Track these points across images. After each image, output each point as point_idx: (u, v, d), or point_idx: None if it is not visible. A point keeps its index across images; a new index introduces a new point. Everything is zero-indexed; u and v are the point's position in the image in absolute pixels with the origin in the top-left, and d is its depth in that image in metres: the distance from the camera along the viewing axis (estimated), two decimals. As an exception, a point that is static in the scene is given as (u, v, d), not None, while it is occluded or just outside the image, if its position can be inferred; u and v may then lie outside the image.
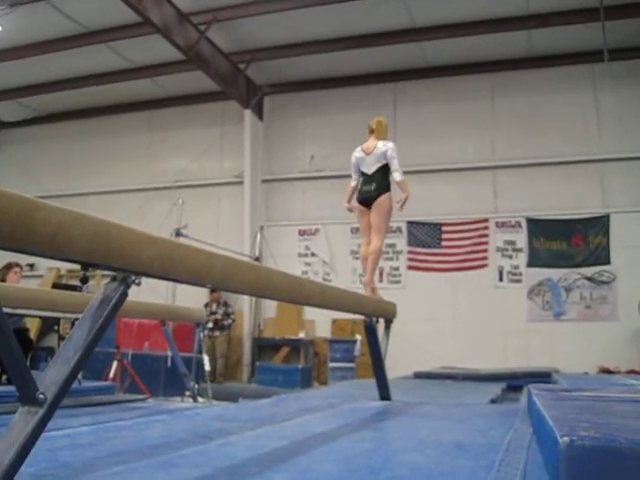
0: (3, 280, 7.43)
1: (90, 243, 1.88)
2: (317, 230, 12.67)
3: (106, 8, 10.34)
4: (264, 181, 13.25)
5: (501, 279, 11.56)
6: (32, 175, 15.11)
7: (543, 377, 8.07)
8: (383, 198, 5.98)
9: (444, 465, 2.71)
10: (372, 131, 6.42)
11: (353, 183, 6.24)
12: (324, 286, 4.20)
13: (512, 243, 11.59)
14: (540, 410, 2.84)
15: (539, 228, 11.51)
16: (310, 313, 12.22)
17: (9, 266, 7.64)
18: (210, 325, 11.33)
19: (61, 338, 12.04)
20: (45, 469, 2.54)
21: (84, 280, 7.60)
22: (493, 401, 5.77)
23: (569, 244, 11.35)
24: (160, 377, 9.46)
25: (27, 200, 1.71)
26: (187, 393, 7.50)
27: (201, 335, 8.07)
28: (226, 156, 13.71)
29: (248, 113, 13.13)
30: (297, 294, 3.51)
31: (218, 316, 11.74)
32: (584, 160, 11.43)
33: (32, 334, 10.68)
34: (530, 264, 11.48)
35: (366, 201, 6.06)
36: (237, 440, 3.37)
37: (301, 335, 12.11)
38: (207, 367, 8.64)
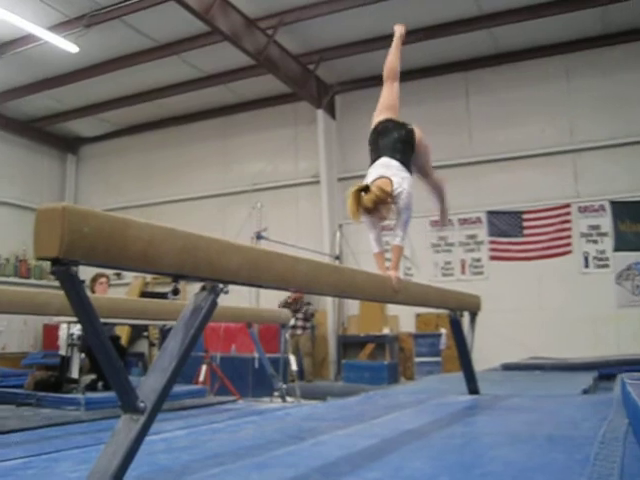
0: (92, 291, 7.70)
1: (179, 256, 1.96)
2: (395, 223, 12.59)
3: (175, 21, 10.57)
4: (340, 179, 13.27)
5: (587, 265, 11.27)
6: (114, 187, 15.61)
7: (637, 365, 7.83)
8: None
9: (537, 459, 2.68)
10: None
11: None
12: (406, 283, 4.19)
13: (596, 227, 11.27)
14: (636, 400, 2.79)
15: (624, 210, 11.16)
16: (393, 309, 12.19)
17: (96, 278, 7.90)
18: (292, 322, 11.43)
19: (151, 344, 12.42)
20: (147, 472, 2.64)
21: (175, 292, 7.81)
22: (585, 391, 5.65)
23: (658, 225, 10.99)
24: (248, 378, 9.61)
25: (119, 219, 1.79)
26: (275, 393, 7.60)
27: (286, 335, 8.16)
28: (301, 157, 13.81)
29: (320, 113, 13.20)
30: (380, 293, 3.53)
31: (300, 314, 11.85)
32: (670, 136, 11.03)
33: (123, 341, 11.03)
34: (617, 248, 11.14)
35: None
36: (328, 439, 3.41)
37: (385, 331, 12.09)
38: (294, 367, 8.73)
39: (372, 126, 4.69)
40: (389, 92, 4.92)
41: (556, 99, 11.81)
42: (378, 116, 4.75)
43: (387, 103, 4.86)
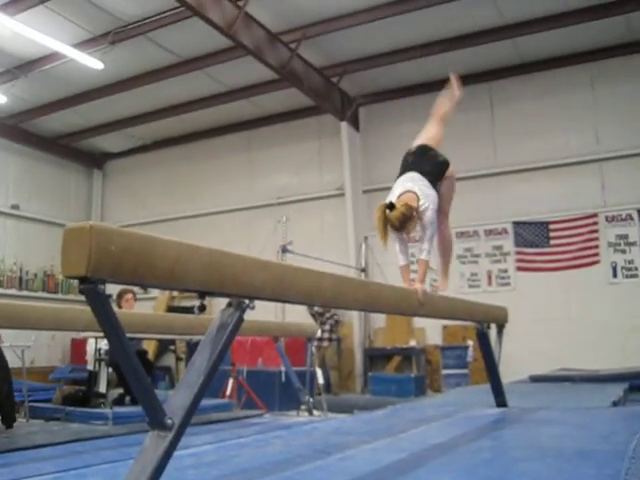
0: (119, 307, 7.75)
1: (205, 273, 1.97)
2: (422, 237, 12.53)
3: (199, 36, 10.66)
4: (365, 191, 13.25)
5: (615, 275, 11.13)
6: (140, 202, 15.74)
7: (668, 375, 7.70)
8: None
9: (566, 474, 2.65)
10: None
11: None
12: (432, 296, 4.19)
13: (624, 237, 11.14)
14: (666, 413, 2.75)
15: (653, 219, 11.05)
16: (420, 321, 12.13)
17: (122, 294, 7.95)
18: (319, 334, 11.39)
19: (178, 358, 12.47)
20: (175, 489, 2.64)
21: (201, 308, 7.86)
22: (615, 404, 5.57)
23: (687, 233, 10.84)
24: (275, 392, 9.60)
25: (145, 237, 1.81)
26: (302, 407, 7.60)
27: (312, 348, 8.16)
28: (326, 169, 13.82)
29: (344, 125, 13.21)
30: (406, 307, 3.52)
31: (326, 326, 11.85)
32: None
33: (150, 355, 11.08)
34: (645, 257, 11.02)
35: None
36: (355, 454, 3.40)
37: (412, 343, 12.04)
38: (320, 380, 8.71)
39: (409, 149, 4.71)
40: (433, 127, 4.93)
41: (581, 108, 11.72)
42: (416, 141, 4.79)
43: (428, 136, 4.84)
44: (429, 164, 4.50)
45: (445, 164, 4.59)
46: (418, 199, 4.18)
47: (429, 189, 4.32)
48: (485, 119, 12.43)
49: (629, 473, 2.49)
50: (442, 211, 4.74)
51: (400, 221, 4.09)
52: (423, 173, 4.40)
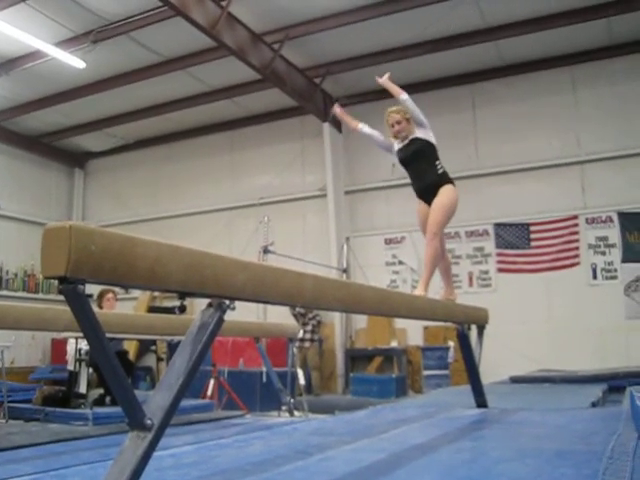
0: (100, 307, 7.71)
1: (186, 274, 1.97)
2: (403, 238, 12.61)
3: (182, 36, 10.63)
4: (347, 192, 13.29)
5: (595, 277, 11.22)
6: (122, 201, 15.67)
7: (646, 377, 7.77)
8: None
9: (545, 475, 2.67)
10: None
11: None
12: (413, 297, 4.21)
13: (604, 239, 11.24)
14: (644, 414, 2.77)
15: (632, 222, 11.12)
16: (401, 322, 12.16)
17: (103, 294, 7.91)
18: (301, 335, 11.39)
19: (159, 358, 12.42)
20: (155, 490, 2.64)
21: (182, 309, 7.88)
22: (594, 404, 5.61)
23: (665, 236, 10.95)
24: (256, 392, 9.59)
25: (125, 237, 1.80)
26: (283, 407, 7.59)
27: (294, 349, 8.16)
28: (308, 170, 13.83)
29: (327, 126, 13.22)
30: (387, 308, 3.53)
31: (308, 327, 11.85)
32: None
33: (131, 355, 11.03)
34: (625, 259, 11.09)
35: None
36: (336, 455, 3.40)
37: (393, 344, 12.06)
38: (302, 381, 8.71)
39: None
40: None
41: (563, 111, 11.80)
42: None
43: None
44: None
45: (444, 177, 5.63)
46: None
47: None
48: (467, 121, 12.49)
49: (607, 473, 2.51)
50: (430, 230, 5.81)
51: (403, 113, 5.63)
52: None
